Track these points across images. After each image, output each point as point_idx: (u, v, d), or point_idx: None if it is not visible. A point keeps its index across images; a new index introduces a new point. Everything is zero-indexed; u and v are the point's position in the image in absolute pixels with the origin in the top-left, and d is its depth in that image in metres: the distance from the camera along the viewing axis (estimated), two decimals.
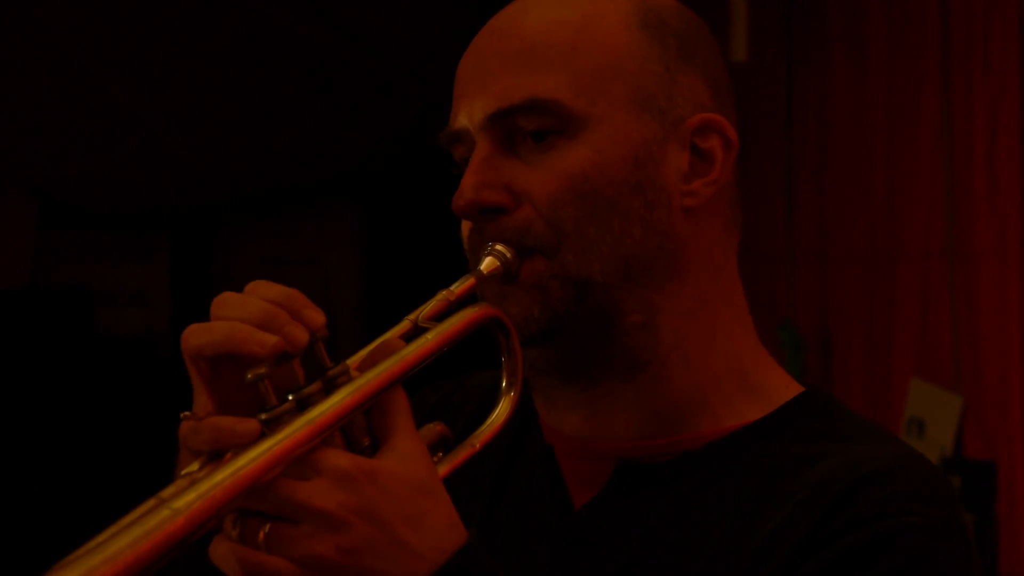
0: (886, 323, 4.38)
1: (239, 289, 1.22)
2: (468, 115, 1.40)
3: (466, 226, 1.43)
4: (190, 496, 1.06)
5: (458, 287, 1.36)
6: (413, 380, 1.27)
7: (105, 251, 6.50)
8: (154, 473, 1.29)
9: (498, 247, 1.37)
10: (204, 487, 1.07)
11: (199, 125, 5.66)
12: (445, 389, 1.63)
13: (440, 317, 1.32)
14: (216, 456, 1.13)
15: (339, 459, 1.15)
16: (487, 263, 1.37)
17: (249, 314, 1.17)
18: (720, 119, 1.41)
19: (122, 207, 6.32)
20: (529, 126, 1.37)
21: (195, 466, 1.14)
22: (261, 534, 1.13)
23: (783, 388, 1.44)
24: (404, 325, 1.31)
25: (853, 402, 4.41)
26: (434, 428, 1.31)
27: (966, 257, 4.07)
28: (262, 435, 1.13)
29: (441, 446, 1.31)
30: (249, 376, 1.13)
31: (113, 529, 1.04)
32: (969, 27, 4.05)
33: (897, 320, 4.34)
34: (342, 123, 5.67)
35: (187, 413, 1.17)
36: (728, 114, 1.43)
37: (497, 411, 1.36)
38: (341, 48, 5.28)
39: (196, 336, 1.19)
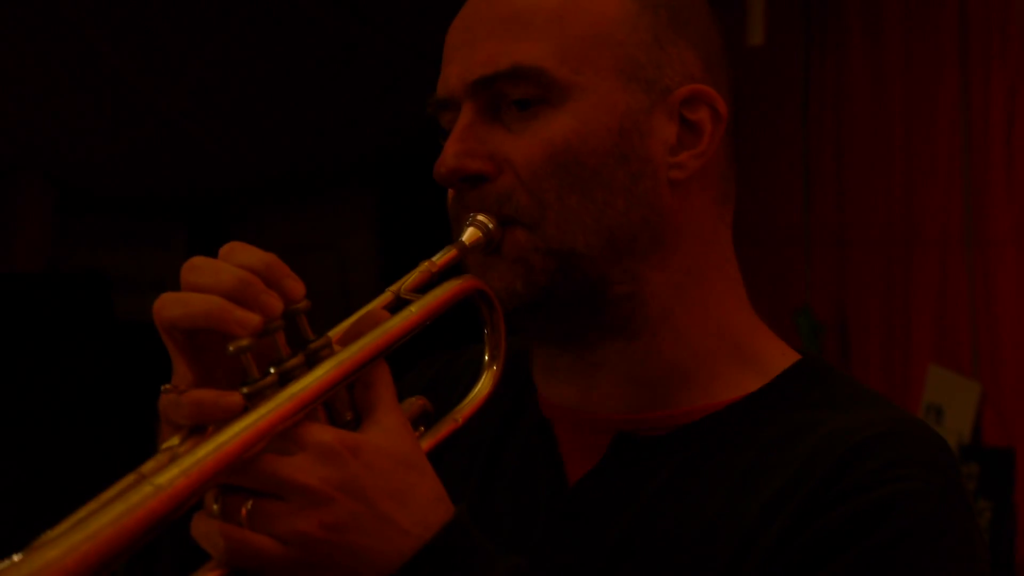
0: (904, 310, 4.36)
1: None
2: (454, 82, 1.39)
3: (451, 194, 1.41)
4: (173, 472, 1.04)
5: (440, 258, 1.35)
6: (408, 354, 1.25)
7: (122, 237, 6.50)
8: None
9: (480, 217, 1.36)
10: (187, 463, 1.05)
11: (216, 111, 5.65)
12: (441, 361, 1.62)
13: (423, 288, 1.31)
14: (197, 430, 1.11)
15: (323, 434, 1.13)
16: (469, 234, 1.36)
17: (223, 283, 1.14)
18: (709, 90, 1.40)
19: (139, 193, 6.33)
20: (513, 94, 1.36)
21: (175, 440, 1.12)
22: (244, 510, 1.11)
23: (779, 357, 1.43)
24: (386, 296, 1.30)
25: (870, 387, 4.39)
26: (416, 402, 1.30)
27: (984, 243, 4.05)
28: (245, 409, 1.11)
29: (423, 420, 1.30)
30: (231, 349, 1.12)
31: (93, 505, 1.03)
32: (987, 12, 4.03)
33: (915, 306, 4.33)
34: (358, 109, 5.66)
35: (167, 386, 1.15)
36: (720, 86, 1.42)
37: (479, 385, 1.35)
38: (357, 33, 5.27)
39: (170, 308, 1.16)
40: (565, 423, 1.44)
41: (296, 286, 1.18)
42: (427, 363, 1.63)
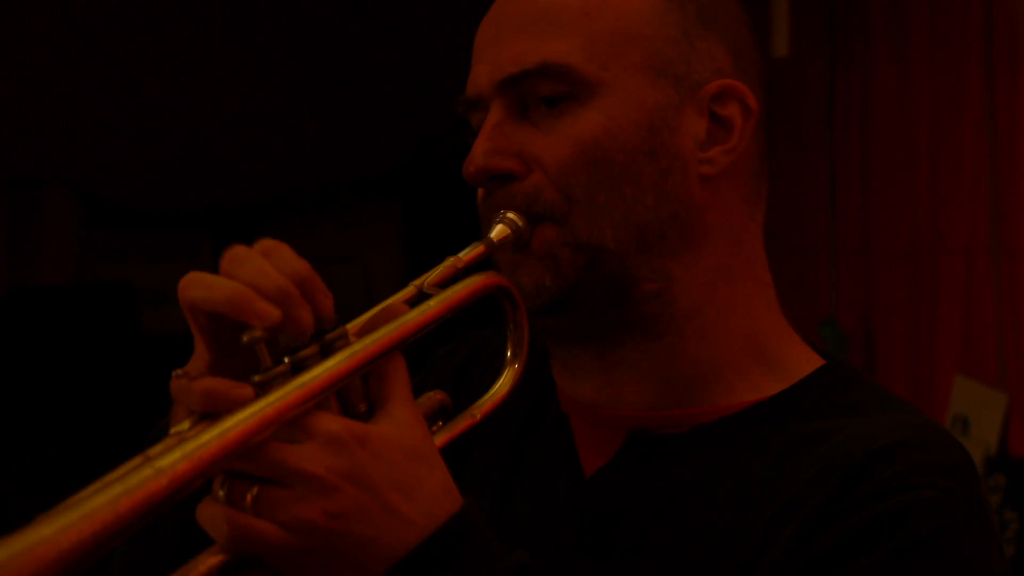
0: (930, 320, 4.34)
1: None
2: (482, 81, 1.39)
3: (480, 194, 1.41)
4: (175, 455, 1.03)
5: (467, 254, 1.34)
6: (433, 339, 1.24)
7: (149, 250, 6.52)
8: None
9: (509, 215, 1.36)
10: (190, 447, 1.04)
11: (241, 123, 5.67)
12: (475, 342, 1.61)
13: (446, 284, 1.30)
14: (208, 417, 1.11)
15: (330, 423, 1.12)
16: (497, 230, 1.35)
17: (263, 285, 1.13)
18: (740, 85, 1.39)
19: (165, 206, 6.34)
20: (542, 91, 1.36)
21: (185, 424, 1.11)
22: (249, 496, 1.10)
23: (803, 362, 1.41)
24: (409, 290, 1.29)
25: None
26: (434, 396, 1.29)
27: (1010, 253, 4.04)
28: (256, 396, 1.10)
29: (441, 414, 1.29)
30: (245, 339, 1.11)
31: (97, 485, 1.02)
32: (1012, 21, 4.02)
33: (941, 317, 4.31)
34: (384, 121, 5.67)
35: (179, 371, 1.14)
36: (750, 81, 1.41)
37: (500, 382, 1.34)
38: (382, 44, 5.28)
39: (194, 288, 1.15)
40: (582, 418, 1.43)
41: (327, 302, 1.18)
42: (460, 342, 1.63)
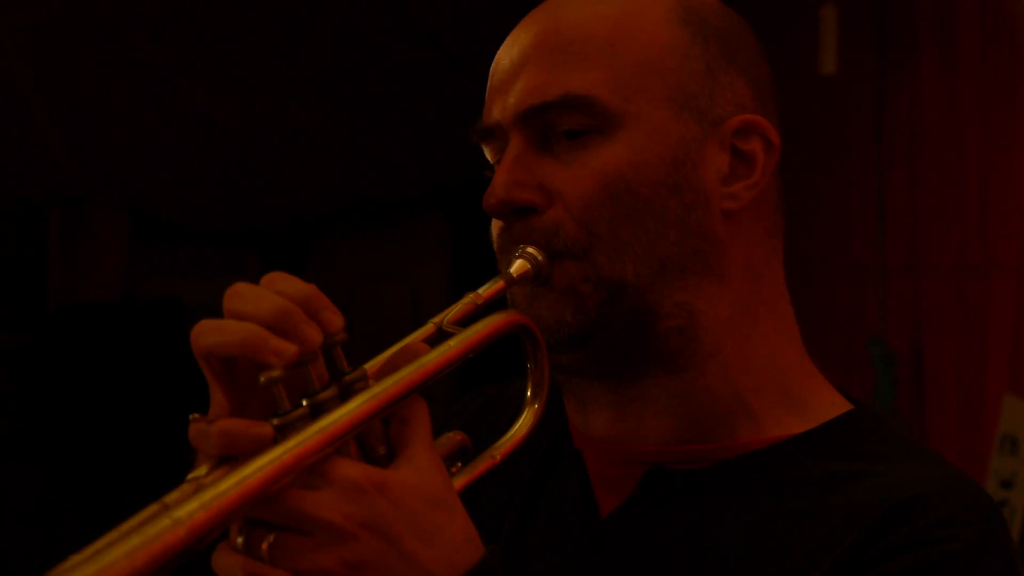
0: (979, 338, 4.30)
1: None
2: (501, 110, 1.37)
3: (496, 225, 1.39)
4: (192, 505, 1.02)
5: (486, 290, 1.32)
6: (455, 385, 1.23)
7: (197, 265, 6.55)
8: None
9: (529, 249, 1.34)
10: (208, 496, 1.03)
11: (289, 140, 5.68)
12: (489, 393, 1.59)
13: (466, 321, 1.28)
14: (227, 459, 1.09)
15: (349, 469, 1.10)
16: (517, 265, 1.33)
17: (263, 312, 1.12)
18: (762, 120, 1.38)
19: (213, 222, 6.36)
20: (564, 124, 1.34)
21: (203, 470, 1.09)
22: (265, 544, 1.09)
23: (828, 404, 1.39)
24: (428, 328, 1.27)
25: (945, 419, 4.35)
26: (453, 438, 1.27)
27: None
28: (274, 440, 1.09)
29: (461, 456, 1.27)
30: (262, 379, 1.09)
31: (113, 535, 1.01)
32: None
33: (990, 335, 4.27)
34: (431, 137, 5.66)
35: (196, 415, 1.13)
36: (770, 116, 1.39)
37: (520, 422, 1.32)
38: (430, 61, 5.28)
39: (208, 335, 1.14)
40: (596, 455, 1.41)
41: (335, 318, 1.15)
42: (474, 395, 1.61)
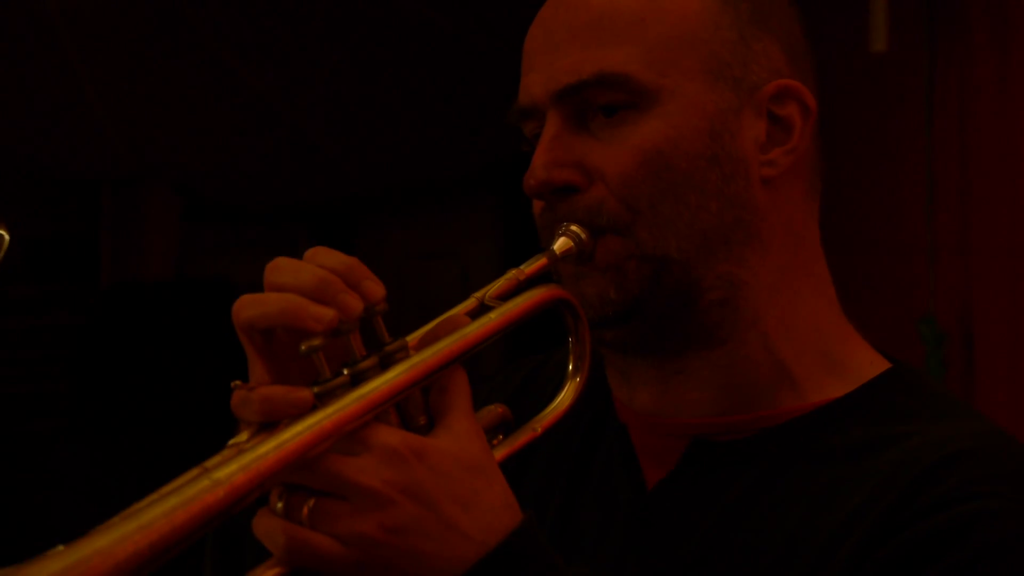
0: None
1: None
2: (537, 91, 1.37)
3: (537, 205, 1.40)
4: (232, 467, 1.03)
5: (529, 267, 1.33)
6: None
7: (247, 245, 6.58)
8: None
9: (572, 227, 1.34)
10: (247, 459, 1.04)
11: (339, 120, 5.69)
12: (532, 365, 1.60)
13: (508, 297, 1.29)
14: (267, 427, 1.11)
15: (388, 436, 1.11)
16: (560, 243, 1.34)
17: (303, 282, 1.14)
18: (797, 85, 1.37)
19: (264, 201, 6.39)
20: (599, 100, 1.34)
21: (244, 436, 1.11)
22: (305, 509, 1.10)
23: (867, 364, 1.40)
24: (470, 302, 1.28)
25: (996, 396, 4.33)
26: (495, 410, 1.28)
27: None
28: (314, 407, 1.10)
29: (502, 428, 1.28)
30: (303, 348, 1.10)
31: (154, 496, 1.02)
32: None
33: None
34: (482, 116, 5.67)
35: (238, 383, 1.14)
36: (806, 79, 1.39)
37: (562, 395, 1.33)
38: (480, 41, 5.28)
39: (248, 308, 1.16)
40: (641, 428, 1.42)
41: (376, 288, 1.17)
42: (516, 366, 1.62)
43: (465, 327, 1.21)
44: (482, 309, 1.27)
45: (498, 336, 1.24)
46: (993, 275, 4.44)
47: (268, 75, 5.40)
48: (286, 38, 5.23)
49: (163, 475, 1.08)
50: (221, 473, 1.03)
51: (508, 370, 1.61)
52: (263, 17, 5.13)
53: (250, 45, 5.23)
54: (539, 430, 1.30)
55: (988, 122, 4.44)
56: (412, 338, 1.22)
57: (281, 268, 1.16)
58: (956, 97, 4.55)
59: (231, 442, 1.11)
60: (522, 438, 1.28)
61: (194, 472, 1.05)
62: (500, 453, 1.25)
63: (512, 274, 1.32)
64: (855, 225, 4.54)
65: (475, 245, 6.40)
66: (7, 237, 1.30)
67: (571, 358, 1.33)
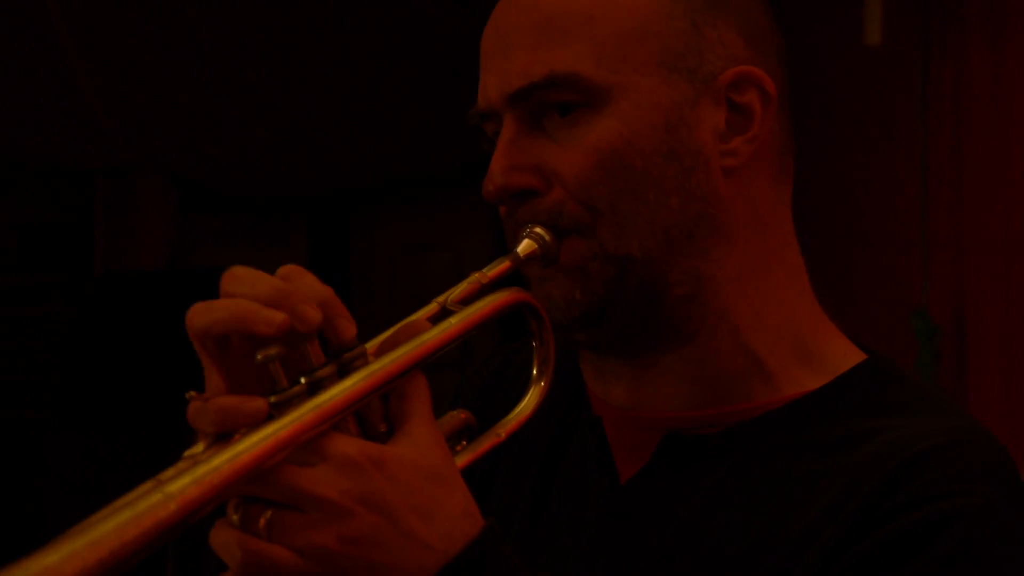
0: (1023, 311, 4.28)
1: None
2: (492, 94, 1.36)
3: (503, 211, 1.39)
4: (184, 480, 1.01)
5: (491, 270, 1.32)
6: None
7: (242, 235, 6.56)
8: None
9: (537, 229, 1.33)
10: (200, 471, 1.02)
11: (335, 110, 5.68)
12: (505, 353, 1.59)
13: (471, 300, 1.27)
14: (223, 437, 1.09)
15: (345, 445, 1.10)
16: (524, 245, 1.32)
17: (259, 291, 1.12)
18: (755, 71, 1.35)
19: (259, 192, 6.38)
20: (553, 100, 1.32)
21: (200, 447, 1.09)
22: (262, 521, 1.08)
23: (842, 355, 1.38)
24: (432, 307, 1.27)
25: (989, 390, 4.33)
26: (457, 416, 1.27)
27: None
28: (270, 418, 1.08)
29: (465, 434, 1.27)
30: (259, 357, 1.08)
31: (106, 511, 1.00)
32: None
33: None
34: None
35: (193, 393, 1.12)
36: (767, 62, 1.37)
37: (526, 400, 1.31)
38: (475, 33, 5.27)
39: (200, 316, 1.14)
40: (615, 422, 1.41)
41: (347, 326, 1.15)
42: (490, 357, 1.60)
43: (425, 333, 1.20)
44: (443, 313, 1.26)
45: (460, 341, 1.22)
46: (986, 269, 4.44)
47: (263, 65, 5.39)
48: (281, 28, 5.22)
49: (154, 465, 1.07)
50: (174, 487, 1.01)
51: (484, 360, 1.61)
52: (258, 7, 5.12)
53: (245, 35, 5.22)
54: (503, 436, 1.28)
55: (982, 116, 4.44)
56: (371, 345, 1.20)
57: (238, 277, 1.15)
58: (951, 91, 4.54)
59: (187, 453, 1.09)
60: (485, 444, 1.27)
61: (148, 485, 1.03)
62: (463, 459, 1.24)
63: (475, 277, 1.30)
64: (849, 218, 4.53)
65: (469, 237, 6.38)
66: None
67: (535, 362, 1.32)
